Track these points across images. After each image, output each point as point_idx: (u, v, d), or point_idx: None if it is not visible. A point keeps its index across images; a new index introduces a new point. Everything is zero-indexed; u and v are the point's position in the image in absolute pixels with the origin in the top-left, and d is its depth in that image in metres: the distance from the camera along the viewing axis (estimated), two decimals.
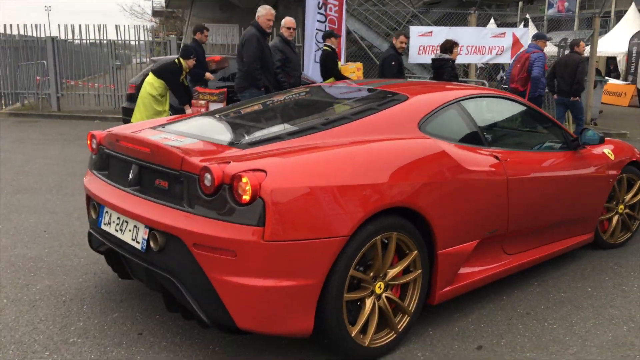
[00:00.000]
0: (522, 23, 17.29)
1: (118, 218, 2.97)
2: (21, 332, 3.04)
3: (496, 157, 3.41)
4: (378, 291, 2.82)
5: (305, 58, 12.18)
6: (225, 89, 7.70)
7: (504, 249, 3.60)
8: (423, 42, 12.88)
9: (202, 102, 7.29)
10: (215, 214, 2.49)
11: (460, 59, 11.76)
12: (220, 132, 3.30)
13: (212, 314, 2.57)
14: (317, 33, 12.20)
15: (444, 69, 7.61)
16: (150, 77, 7.39)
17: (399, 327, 2.92)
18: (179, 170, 2.63)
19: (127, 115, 9.79)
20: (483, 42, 12.99)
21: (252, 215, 2.41)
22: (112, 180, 3.10)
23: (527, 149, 3.95)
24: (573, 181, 4.00)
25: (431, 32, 12.86)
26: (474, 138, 3.46)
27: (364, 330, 2.79)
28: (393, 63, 7.81)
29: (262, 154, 2.64)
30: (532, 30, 15.29)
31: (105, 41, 13.60)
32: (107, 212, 3.07)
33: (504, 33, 13.31)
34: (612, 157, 4.36)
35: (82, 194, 5.93)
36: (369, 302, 2.79)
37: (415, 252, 2.92)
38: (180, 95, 7.36)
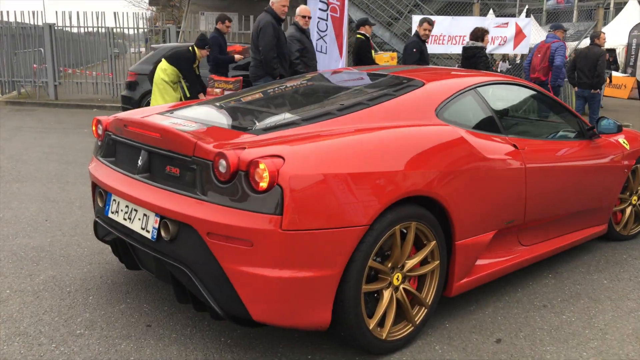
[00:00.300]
0: (525, 13, 17.18)
1: (126, 206, 2.86)
2: (26, 324, 2.94)
3: (514, 146, 3.31)
4: (396, 283, 2.74)
5: None
6: (240, 77, 7.61)
7: (520, 240, 3.51)
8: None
9: (218, 90, 7.20)
10: (230, 201, 2.39)
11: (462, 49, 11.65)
12: (232, 117, 3.19)
13: (226, 305, 2.47)
14: (318, 22, 12.05)
15: (478, 57, 7.40)
16: (163, 63, 7.34)
17: (416, 319, 2.84)
18: (191, 157, 2.53)
19: (126, 104, 9.68)
20: None
21: (270, 204, 2.31)
22: (120, 167, 3.00)
23: (543, 137, 3.86)
24: (589, 171, 3.92)
25: (434, 21, 12.72)
26: (491, 125, 3.36)
27: (381, 323, 2.70)
28: (415, 50, 7.69)
29: (279, 140, 2.54)
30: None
31: (103, 29, 13.41)
32: (114, 200, 2.97)
33: (507, 23, 13.20)
34: (627, 146, 4.28)
35: (83, 183, 5.84)
36: (386, 294, 2.70)
37: (434, 242, 2.83)
38: (193, 84, 7.32)
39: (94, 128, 3.34)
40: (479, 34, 7.58)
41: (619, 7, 22.94)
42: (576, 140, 3.95)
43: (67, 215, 4.77)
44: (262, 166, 2.30)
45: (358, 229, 2.45)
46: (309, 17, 7.19)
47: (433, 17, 12.77)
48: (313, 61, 7.22)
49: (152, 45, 10.43)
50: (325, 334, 2.88)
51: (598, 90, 8.72)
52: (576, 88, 9.04)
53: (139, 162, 2.82)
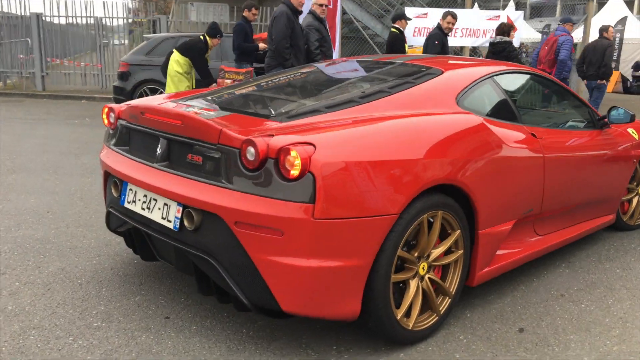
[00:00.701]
0: (515, 7, 17.23)
1: (145, 196, 2.79)
2: (40, 317, 2.86)
3: (533, 135, 3.30)
4: (421, 272, 2.70)
5: None
6: (251, 68, 7.58)
7: (536, 229, 3.50)
8: (418, 23, 12.73)
9: (228, 81, 7.14)
10: (258, 190, 2.33)
11: (454, 42, 11.68)
12: (252, 104, 3.12)
13: (253, 296, 2.42)
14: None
15: (510, 52, 7.40)
16: (176, 55, 7.34)
17: (440, 309, 2.81)
18: (216, 144, 2.46)
19: (118, 95, 9.54)
20: (478, 25, 12.91)
21: (302, 192, 2.26)
22: (136, 156, 2.92)
23: (557, 127, 3.85)
24: (601, 160, 3.92)
25: (426, 13, 12.71)
26: (510, 114, 3.33)
27: (407, 313, 2.67)
28: (437, 42, 7.67)
29: (306, 127, 2.48)
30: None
31: (92, 19, 13.18)
32: (131, 189, 2.89)
33: (498, 16, 13.20)
34: (636, 136, 4.29)
35: (80, 174, 5.73)
36: (413, 284, 2.67)
37: (458, 231, 2.80)
38: (205, 74, 7.30)
39: (104, 116, 3.26)
40: (505, 29, 7.61)
41: (601, 2, 23.14)
42: (587, 130, 3.95)
43: (68, 206, 4.66)
44: (293, 153, 2.24)
45: (388, 217, 2.41)
46: (327, 6, 7.08)
47: (426, 9, 12.82)
48: (330, 51, 7.18)
49: (145, 36, 10.27)
50: (349, 325, 2.85)
51: (604, 80, 8.88)
52: (585, 81, 9.21)
53: (158, 151, 2.75)
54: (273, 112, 2.78)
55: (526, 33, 17.08)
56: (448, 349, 2.71)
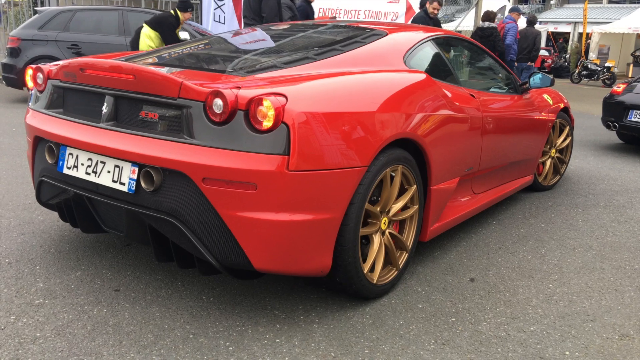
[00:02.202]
0: None
1: (89, 159, 2.57)
2: None
3: (472, 95, 3.43)
4: (383, 227, 2.73)
5: (204, 14, 11.63)
6: None
7: (473, 188, 3.66)
8: (323, 4, 12.81)
9: None
10: (227, 144, 2.22)
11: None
12: (203, 62, 2.97)
13: (222, 256, 2.32)
14: None
15: (495, 36, 8.69)
16: (146, 29, 6.94)
17: (399, 263, 2.86)
18: (176, 98, 2.31)
19: (8, 73, 8.74)
20: (379, 7, 13.26)
21: (275, 143, 2.18)
22: (74, 118, 2.67)
23: (486, 89, 4.03)
24: (524, 123, 4.17)
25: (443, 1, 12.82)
26: (451, 76, 3.45)
27: (371, 268, 2.69)
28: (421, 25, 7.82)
29: (273, 80, 2.40)
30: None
31: None
32: (71, 153, 2.65)
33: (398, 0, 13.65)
34: (551, 102, 4.60)
35: None
36: (377, 239, 2.69)
37: (415, 187, 2.86)
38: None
39: (28, 78, 2.96)
40: (492, 16, 8.99)
41: None
42: (510, 94, 4.18)
43: None
44: (266, 104, 2.16)
45: (358, 169, 2.40)
46: None
47: None
48: None
49: (37, 9, 9.46)
50: (309, 286, 2.83)
51: (532, 62, 10.50)
52: (516, 63, 10.36)
53: (104, 110, 2.54)
54: (229, 68, 2.66)
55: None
56: (410, 300, 2.77)
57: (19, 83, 8.68)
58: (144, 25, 7.03)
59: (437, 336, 2.45)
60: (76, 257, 3.05)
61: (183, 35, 8.25)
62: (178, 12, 7.07)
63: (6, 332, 2.31)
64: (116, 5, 11.57)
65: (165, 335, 2.35)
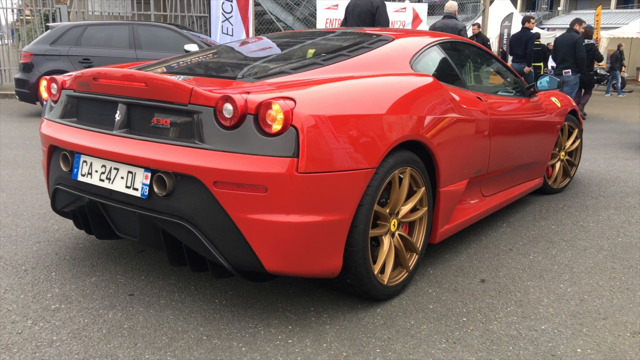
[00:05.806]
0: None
1: (103, 166, 2.63)
2: None
3: (479, 98, 3.46)
4: (392, 229, 2.76)
5: (213, 27, 11.77)
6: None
7: (482, 190, 3.68)
8: (330, 15, 12.91)
9: None
10: (237, 147, 2.27)
11: None
12: (213, 69, 3.02)
13: (235, 259, 2.35)
14: (223, 3, 11.80)
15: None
16: None
17: (409, 265, 2.88)
18: (186, 104, 2.36)
19: (22, 88, 8.89)
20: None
21: (285, 146, 2.23)
22: (89, 126, 2.73)
23: (494, 93, 4.06)
24: (532, 125, 4.18)
25: (337, 5, 12.93)
26: (457, 79, 3.48)
27: (381, 269, 2.71)
28: None
29: (281, 85, 2.45)
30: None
31: None
32: (85, 161, 2.71)
33: (404, 8, 13.73)
34: (559, 104, 4.61)
35: None
36: (386, 240, 2.71)
37: (423, 189, 2.88)
38: None
39: (43, 89, 3.04)
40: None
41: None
42: (518, 97, 4.20)
43: None
44: (275, 107, 2.20)
45: (367, 171, 2.44)
46: None
47: (337, 1, 13.00)
48: None
49: (49, 24, 9.62)
50: (321, 288, 2.85)
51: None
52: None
53: (117, 117, 2.60)
54: (239, 75, 2.71)
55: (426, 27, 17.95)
56: (421, 301, 2.78)
57: (32, 97, 8.83)
58: None
59: (449, 335, 2.46)
60: (91, 264, 3.10)
61: (192, 47, 8.36)
62: None
63: (23, 336, 2.35)
64: (126, 20, 11.74)
65: (179, 337, 2.38)
